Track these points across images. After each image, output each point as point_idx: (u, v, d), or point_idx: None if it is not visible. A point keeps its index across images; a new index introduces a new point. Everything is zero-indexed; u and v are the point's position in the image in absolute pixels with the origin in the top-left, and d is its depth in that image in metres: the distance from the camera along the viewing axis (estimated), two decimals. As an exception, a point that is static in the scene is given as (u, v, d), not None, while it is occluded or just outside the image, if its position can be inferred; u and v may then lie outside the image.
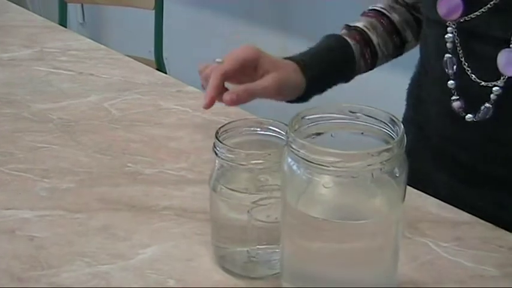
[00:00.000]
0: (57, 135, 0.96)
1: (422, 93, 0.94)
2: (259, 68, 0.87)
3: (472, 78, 0.82)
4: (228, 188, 0.65)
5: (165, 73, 2.27)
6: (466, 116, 0.83)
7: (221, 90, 0.83)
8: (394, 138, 0.57)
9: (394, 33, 0.99)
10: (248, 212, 0.64)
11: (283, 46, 2.47)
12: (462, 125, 0.84)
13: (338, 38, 0.96)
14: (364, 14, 1.01)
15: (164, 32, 2.34)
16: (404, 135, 0.56)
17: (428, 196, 0.81)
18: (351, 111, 0.60)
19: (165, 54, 2.38)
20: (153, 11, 2.30)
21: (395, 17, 1.00)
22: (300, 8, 2.37)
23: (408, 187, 0.79)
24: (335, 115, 0.60)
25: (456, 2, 0.81)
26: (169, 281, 0.67)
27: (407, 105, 1.01)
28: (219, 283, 0.67)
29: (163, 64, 2.35)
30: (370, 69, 1.00)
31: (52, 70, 1.19)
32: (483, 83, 0.81)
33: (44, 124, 0.99)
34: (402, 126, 0.57)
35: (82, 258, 0.70)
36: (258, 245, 0.66)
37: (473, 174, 0.86)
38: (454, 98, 0.84)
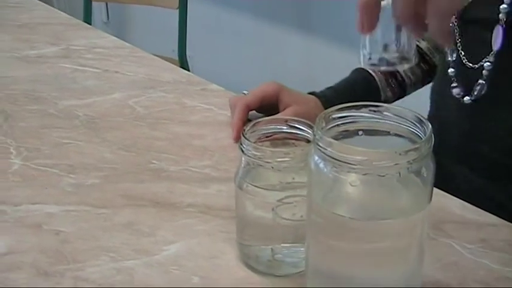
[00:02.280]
0: (82, 131, 0.97)
1: (443, 87, 0.95)
2: (279, 103, 0.93)
3: (467, 64, 0.87)
4: (253, 186, 0.65)
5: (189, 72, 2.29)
6: (464, 99, 0.87)
7: (246, 121, 0.92)
8: (421, 138, 0.56)
9: (420, 61, 1.05)
10: (273, 209, 0.64)
11: (306, 45, 2.47)
12: (479, 117, 0.85)
13: (362, 72, 1.02)
14: None
15: (188, 31, 2.35)
16: (432, 135, 0.56)
17: (453, 197, 0.80)
18: (378, 111, 0.60)
19: (188, 53, 2.39)
20: (177, 10, 2.31)
21: (423, 44, 1.05)
22: (323, 8, 2.36)
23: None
24: (362, 114, 0.60)
25: None
26: (194, 277, 0.68)
27: (431, 101, 1.02)
28: (243, 280, 0.67)
29: (187, 63, 2.36)
30: (402, 97, 1.05)
31: (77, 67, 1.20)
32: (477, 65, 0.86)
33: (69, 121, 1.00)
34: (430, 125, 0.57)
35: (107, 253, 0.71)
36: (283, 243, 0.67)
37: (495, 167, 0.87)
38: (453, 85, 0.89)
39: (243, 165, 0.66)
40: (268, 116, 0.90)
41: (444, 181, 0.82)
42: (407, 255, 0.59)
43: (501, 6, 0.81)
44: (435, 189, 0.79)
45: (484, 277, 0.67)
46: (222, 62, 2.75)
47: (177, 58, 2.32)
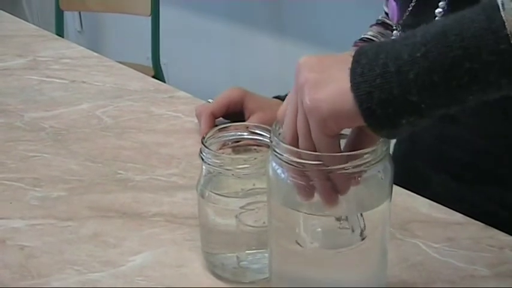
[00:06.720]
0: (49, 143, 0.96)
1: None
2: (245, 109, 0.92)
3: None
4: (215, 193, 0.65)
5: (163, 79, 2.28)
6: None
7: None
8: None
9: None
10: (236, 217, 0.64)
11: (281, 49, 2.47)
12: (446, 120, 0.85)
13: None
14: (371, 26, 1.05)
15: (162, 38, 2.35)
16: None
17: (420, 196, 0.81)
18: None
19: (163, 60, 2.38)
20: (150, 17, 2.31)
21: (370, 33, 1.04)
22: (297, 11, 2.37)
23: (399, 188, 0.79)
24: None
25: (393, 6, 0.86)
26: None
27: None
28: (209, 289, 0.67)
29: (161, 70, 2.36)
30: None
31: (44, 79, 1.20)
32: None
33: (36, 133, 0.99)
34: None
35: (72, 267, 0.70)
36: (247, 249, 0.66)
37: (468, 170, 0.87)
38: None
39: (204, 174, 0.66)
40: (236, 121, 0.90)
41: (420, 185, 0.82)
42: (369, 257, 0.59)
43: (436, 11, 0.79)
44: (401, 189, 0.80)
45: (450, 276, 0.67)
46: (197, 68, 2.75)
47: (151, 66, 2.32)
